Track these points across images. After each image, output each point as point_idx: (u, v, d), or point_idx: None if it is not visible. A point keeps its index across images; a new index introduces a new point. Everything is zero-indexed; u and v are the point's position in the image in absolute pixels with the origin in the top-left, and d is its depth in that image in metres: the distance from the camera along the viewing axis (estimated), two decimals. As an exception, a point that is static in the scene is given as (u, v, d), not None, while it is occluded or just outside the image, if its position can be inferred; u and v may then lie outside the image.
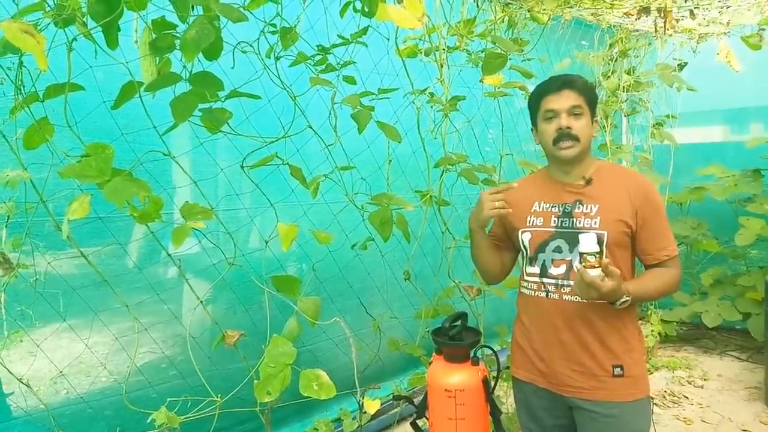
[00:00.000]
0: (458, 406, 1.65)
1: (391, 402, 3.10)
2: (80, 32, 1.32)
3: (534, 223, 1.70)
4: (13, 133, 1.48)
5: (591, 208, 1.62)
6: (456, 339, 1.73)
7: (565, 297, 1.62)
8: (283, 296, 1.80)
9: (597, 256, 1.44)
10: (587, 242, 1.46)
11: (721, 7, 3.40)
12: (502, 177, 2.59)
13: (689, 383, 3.83)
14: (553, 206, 1.68)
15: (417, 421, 1.89)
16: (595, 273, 1.43)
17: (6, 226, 1.58)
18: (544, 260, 1.66)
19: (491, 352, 1.90)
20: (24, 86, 1.44)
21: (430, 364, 1.80)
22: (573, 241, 1.60)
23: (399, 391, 3.12)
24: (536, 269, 1.68)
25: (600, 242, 1.56)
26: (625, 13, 3.22)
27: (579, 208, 1.63)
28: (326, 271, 2.67)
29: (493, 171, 2.46)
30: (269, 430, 1.88)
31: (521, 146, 3.43)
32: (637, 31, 4.06)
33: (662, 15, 3.03)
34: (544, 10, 2.54)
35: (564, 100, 1.60)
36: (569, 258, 1.62)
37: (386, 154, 2.40)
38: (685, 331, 4.74)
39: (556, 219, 1.66)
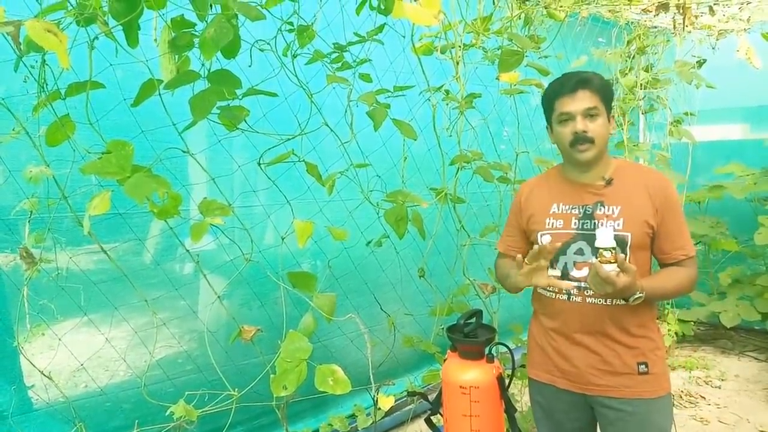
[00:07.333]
0: (473, 403, 1.66)
1: (404, 398, 3.11)
2: (101, 31, 1.34)
3: (554, 225, 1.66)
4: (36, 130, 1.51)
5: (613, 210, 1.59)
6: (471, 336, 1.74)
7: (588, 300, 1.60)
8: (299, 292, 1.81)
9: (613, 251, 1.43)
10: (604, 237, 1.45)
11: (742, 3, 3.35)
12: (518, 175, 2.58)
13: (706, 383, 3.79)
14: (572, 208, 1.64)
15: (431, 417, 1.90)
16: (610, 268, 1.42)
17: (29, 222, 1.61)
18: (566, 263, 1.63)
19: (506, 349, 1.90)
20: (47, 84, 1.47)
21: (444, 360, 1.80)
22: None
23: (413, 387, 3.13)
24: (557, 272, 1.64)
25: (624, 244, 1.55)
26: (643, 10, 3.19)
27: (601, 209, 1.60)
28: (341, 268, 2.68)
29: (508, 169, 2.45)
30: (285, 425, 1.90)
31: (537, 144, 3.41)
32: (655, 27, 4.01)
33: (681, 11, 2.99)
34: (561, 7, 2.53)
35: (579, 103, 1.56)
36: (592, 260, 1.57)
37: (401, 151, 2.40)
38: (702, 331, 4.69)
39: (577, 221, 1.62)
